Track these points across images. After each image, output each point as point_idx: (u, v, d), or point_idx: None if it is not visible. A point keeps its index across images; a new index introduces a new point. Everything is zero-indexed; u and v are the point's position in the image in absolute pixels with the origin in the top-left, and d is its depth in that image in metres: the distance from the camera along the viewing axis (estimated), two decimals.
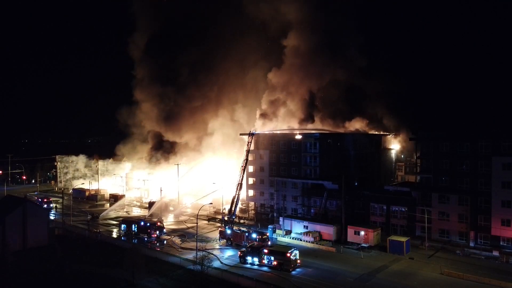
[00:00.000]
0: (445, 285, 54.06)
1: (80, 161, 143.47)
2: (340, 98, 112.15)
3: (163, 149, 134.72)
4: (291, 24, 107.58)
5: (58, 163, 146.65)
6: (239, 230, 74.52)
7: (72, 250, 67.18)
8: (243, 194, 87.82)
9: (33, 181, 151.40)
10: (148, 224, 78.46)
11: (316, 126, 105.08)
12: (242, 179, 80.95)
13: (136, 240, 76.02)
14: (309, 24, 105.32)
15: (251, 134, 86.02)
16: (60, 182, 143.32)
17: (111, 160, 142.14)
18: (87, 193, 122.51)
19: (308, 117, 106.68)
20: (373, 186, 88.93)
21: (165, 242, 75.14)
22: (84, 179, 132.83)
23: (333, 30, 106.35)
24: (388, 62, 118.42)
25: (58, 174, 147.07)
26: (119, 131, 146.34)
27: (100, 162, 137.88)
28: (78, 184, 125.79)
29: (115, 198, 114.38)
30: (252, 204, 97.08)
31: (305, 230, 76.57)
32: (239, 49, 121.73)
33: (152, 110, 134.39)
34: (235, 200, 79.32)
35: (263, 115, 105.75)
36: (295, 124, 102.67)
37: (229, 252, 68.71)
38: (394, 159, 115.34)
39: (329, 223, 76.67)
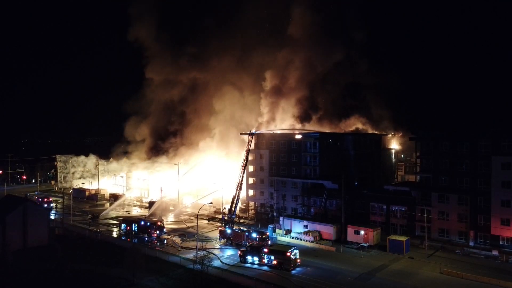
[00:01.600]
0: (444, 284, 54.15)
1: (89, 161, 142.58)
2: (340, 97, 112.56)
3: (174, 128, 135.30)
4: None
5: (59, 162, 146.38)
6: (239, 229, 74.63)
7: (72, 250, 67.34)
8: (243, 194, 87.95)
9: (33, 181, 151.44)
10: (148, 223, 78.56)
11: (316, 124, 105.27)
12: (242, 179, 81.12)
13: (136, 240, 76.09)
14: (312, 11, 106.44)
15: (251, 134, 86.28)
16: (66, 182, 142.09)
17: (111, 159, 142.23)
18: (87, 193, 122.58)
19: (309, 111, 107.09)
20: (373, 186, 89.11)
21: (165, 241, 75.21)
22: (93, 179, 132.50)
23: (335, 25, 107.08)
24: (388, 61, 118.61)
25: (58, 174, 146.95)
26: (121, 130, 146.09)
27: (114, 163, 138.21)
28: (78, 184, 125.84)
29: (115, 198, 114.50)
30: (252, 203, 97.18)
31: (305, 230, 76.65)
32: (247, 30, 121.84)
33: (164, 86, 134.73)
34: (235, 199, 79.50)
35: (272, 91, 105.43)
36: (296, 120, 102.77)
37: (229, 252, 68.82)
38: (394, 159, 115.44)
39: (329, 222, 76.76)
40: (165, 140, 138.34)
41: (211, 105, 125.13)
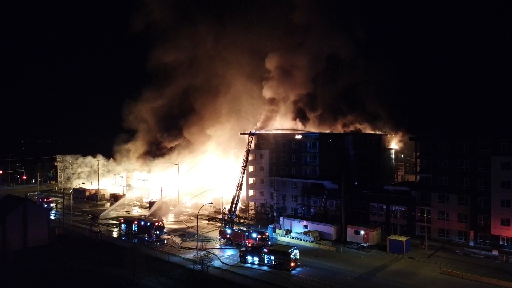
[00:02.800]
0: (444, 284, 54.20)
1: (97, 162, 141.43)
2: (339, 96, 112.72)
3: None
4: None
5: (59, 162, 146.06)
6: (239, 229, 74.67)
7: (72, 250, 67.32)
8: (243, 194, 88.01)
9: (33, 181, 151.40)
10: (149, 223, 78.60)
11: (315, 124, 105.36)
12: (242, 179, 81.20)
13: (136, 240, 76.19)
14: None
15: (251, 134, 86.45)
16: (72, 182, 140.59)
17: (111, 159, 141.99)
18: (87, 193, 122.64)
19: (308, 109, 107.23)
20: (373, 186, 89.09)
21: (165, 241, 75.28)
22: (100, 179, 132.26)
23: (336, 22, 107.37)
24: (388, 61, 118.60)
25: (58, 174, 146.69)
26: (123, 127, 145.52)
27: (122, 163, 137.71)
28: (79, 184, 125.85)
29: (115, 198, 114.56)
30: (252, 203, 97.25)
31: (305, 230, 76.69)
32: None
33: (170, 70, 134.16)
34: (235, 199, 79.63)
35: (277, 69, 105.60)
36: (295, 116, 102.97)
37: (229, 252, 68.85)
38: (394, 159, 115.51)
39: (329, 222, 76.80)
40: (172, 124, 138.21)
41: (218, 92, 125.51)
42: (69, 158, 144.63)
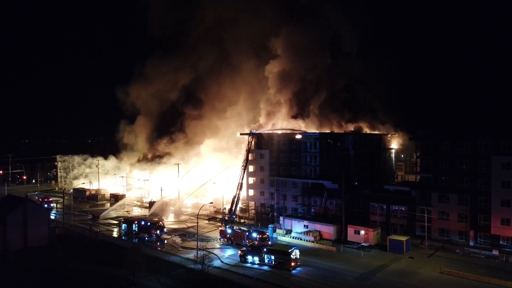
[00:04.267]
0: (445, 284, 54.22)
1: (109, 163, 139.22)
2: (339, 96, 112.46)
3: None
4: None
5: (59, 162, 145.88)
6: (240, 229, 74.69)
7: (72, 250, 67.27)
8: (243, 194, 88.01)
9: (33, 181, 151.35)
10: (149, 223, 78.61)
11: (314, 124, 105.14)
12: (242, 179, 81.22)
13: (136, 240, 76.19)
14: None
15: (251, 134, 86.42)
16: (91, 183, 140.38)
17: (111, 160, 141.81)
18: (87, 193, 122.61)
19: (308, 107, 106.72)
20: (373, 186, 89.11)
21: (165, 241, 75.30)
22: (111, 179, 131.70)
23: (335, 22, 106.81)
24: (388, 60, 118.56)
25: (58, 173, 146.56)
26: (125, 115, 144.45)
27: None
28: (79, 184, 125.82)
29: (115, 198, 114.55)
30: (252, 203, 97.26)
31: (305, 230, 76.73)
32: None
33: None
34: (236, 199, 79.64)
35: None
36: (297, 122, 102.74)
37: (229, 251, 68.87)
38: (394, 159, 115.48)
39: (329, 222, 76.82)
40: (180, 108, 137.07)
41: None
42: (76, 158, 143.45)
